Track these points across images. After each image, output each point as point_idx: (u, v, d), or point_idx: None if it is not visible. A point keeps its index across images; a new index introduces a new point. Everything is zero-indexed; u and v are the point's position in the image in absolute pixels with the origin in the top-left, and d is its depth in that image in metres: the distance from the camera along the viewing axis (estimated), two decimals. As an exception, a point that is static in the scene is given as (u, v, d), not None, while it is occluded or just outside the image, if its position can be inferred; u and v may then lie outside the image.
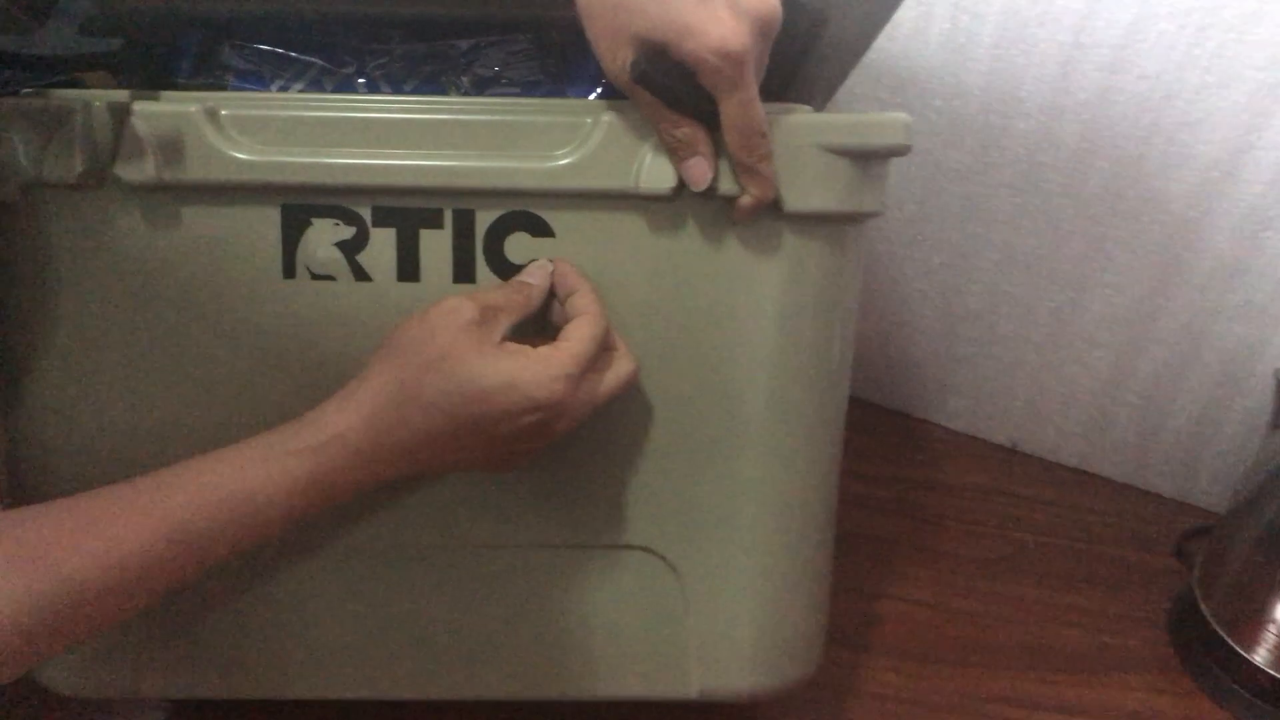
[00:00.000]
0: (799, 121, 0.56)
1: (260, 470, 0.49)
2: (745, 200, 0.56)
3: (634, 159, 0.56)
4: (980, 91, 0.87)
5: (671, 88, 0.52)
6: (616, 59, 0.53)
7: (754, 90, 0.52)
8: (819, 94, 0.72)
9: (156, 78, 0.60)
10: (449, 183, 0.56)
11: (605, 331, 0.55)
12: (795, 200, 0.57)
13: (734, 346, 0.60)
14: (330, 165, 0.56)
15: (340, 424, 0.51)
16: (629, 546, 0.63)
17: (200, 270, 0.58)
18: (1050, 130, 0.86)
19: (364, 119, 0.57)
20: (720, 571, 0.63)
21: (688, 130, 0.54)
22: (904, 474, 1.05)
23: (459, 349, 0.51)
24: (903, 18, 0.84)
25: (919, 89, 0.90)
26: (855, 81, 0.76)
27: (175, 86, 0.60)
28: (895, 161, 0.60)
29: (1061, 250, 0.93)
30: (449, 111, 0.57)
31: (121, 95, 0.56)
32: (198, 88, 0.60)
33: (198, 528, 0.47)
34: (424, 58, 0.61)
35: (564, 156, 0.56)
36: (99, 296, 0.58)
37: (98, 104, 0.55)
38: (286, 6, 0.60)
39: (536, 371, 0.52)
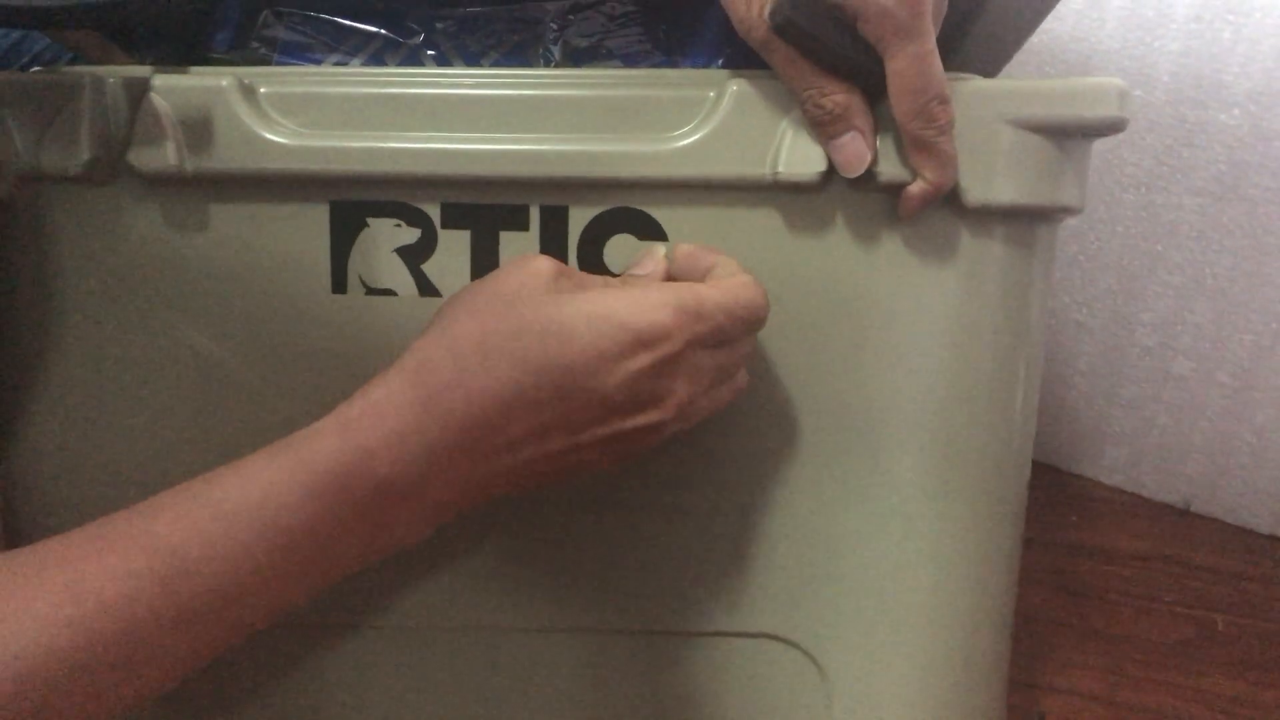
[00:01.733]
0: (983, 89, 0.44)
1: (268, 471, 0.36)
2: (916, 188, 0.43)
3: (770, 139, 0.44)
4: (1170, 77, 0.73)
5: (823, 40, 0.40)
6: (752, 6, 0.41)
7: (932, 40, 0.40)
8: (981, 71, 0.59)
9: (188, 52, 0.50)
10: (536, 172, 0.45)
11: (761, 309, 0.42)
12: (978, 189, 0.44)
13: (892, 378, 0.47)
14: (390, 151, 0.45)
15: (376, 390, 0.38)
16: (757, 635, 0.50)
17: (230, 280, 0.47)
18: (1260, 124, 0.72)
19: (431, 96, 0.46)
20: (870, 665, 0.50)
21: (841, 98, 0.42)
22: (1057, 537, 0.90)
23: (535, 292, 0.40)
24: (1077, -11, 0.72)
25: (1092, 73, 0.76)
26: (1014, 67, 0.63)
27: (209, 62, 0.50)
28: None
29: (1265, 271, 0.78)
30: (535, 87, 0.46)
31: (142, 71, 0.46)
32: (236, 63, 0.50)
33: (191, 555, 0.34)
34: (506, 25, 0.50)
35: (679, 138, 0.45)
36: (109, 308, 0.47)
37: (112, 80, 0.45)
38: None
39: (635, 298, 0.39)
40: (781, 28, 0.40)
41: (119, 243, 0.47)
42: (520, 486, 0.41)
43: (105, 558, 0.33)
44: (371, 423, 0.37)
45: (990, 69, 0.60)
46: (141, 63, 0.52)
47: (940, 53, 0.42)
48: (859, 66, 0.41)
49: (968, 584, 0.50)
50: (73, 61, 0.62)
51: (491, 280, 0.40)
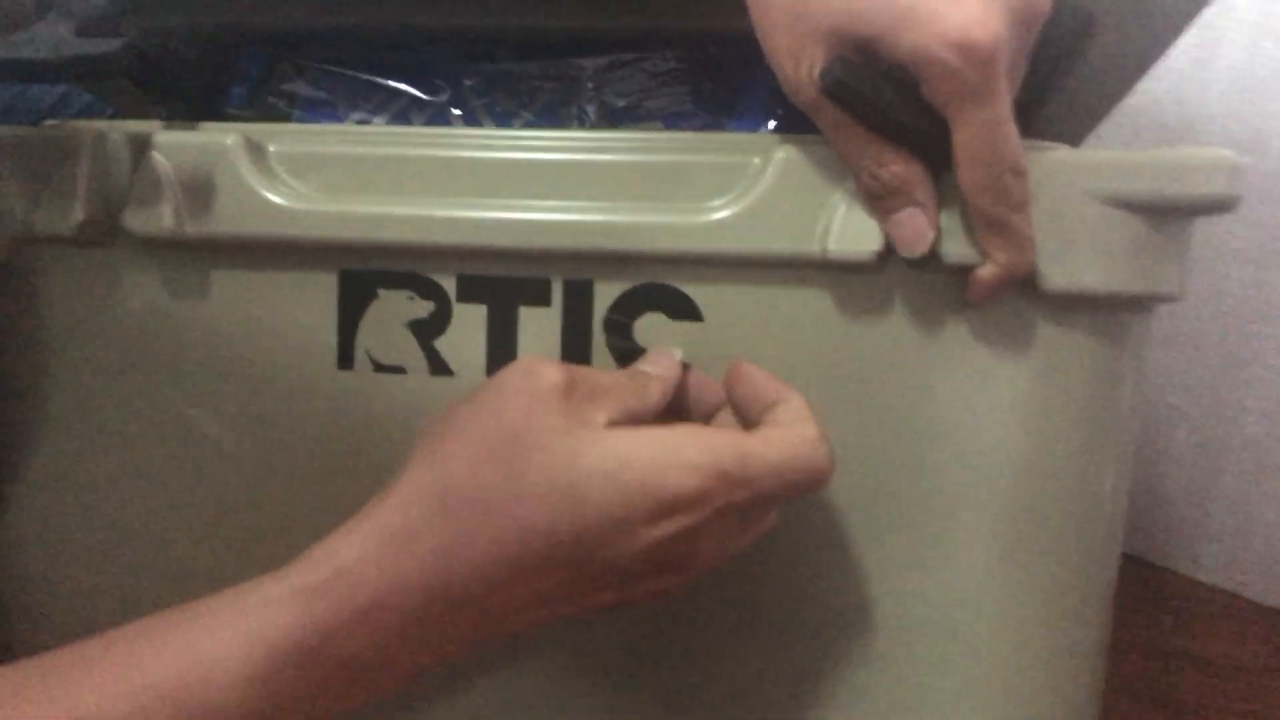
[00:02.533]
0: (1067, 160, 0.39)
1: (212, 642, 0.30)
2: (987, 272, 0.38)
3: (820, 212, 0.39)
4: (1283, 145, 0.66)
5: (879, 104, 0.35)
6: (800, 64, 0.36)
7: (1006, 105, 0.35)
8: (1065, 138, 0.54)
9: (203, 107, 0.47)
10: (559, 244, 0.41)
11: (821, 473, 0.35)
12: (1058, 274, 0.38)
13: (956, 473, 0.41)
14: (404, 218, 0.41)
15: (347, 552, 0.32)
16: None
17: (230, 352, 0.43)
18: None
19: (450, 159, 0.42)
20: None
21: (899, 169, 0.37)
22: (1148, 641, 0.82)
23: (539, 424, 0.33)
24: (1177, 43, 0.65)
25: (1195, 141, 0.70)
26: (1105, 130, 0.58)
27: (225, 117, 0.47)
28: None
29: (1382, 359, 0.70)
30: (561, 151, 0.42)
31: (148, 127, 0.43)
32: (251, 118, 0.47)
33: None
34: (539, 82, 0.46)
35: (719, 209, 0.40)
36: (103, 377, 0.44)
37: (114, 136, 0.42)
38: (373, 17, 0.46)
39: (664, 452, 0.33)
40: (831, 90, 0.35)
41: (115, 309, 0.44)
42: (515, 633, 0.35)
43: None
44: (337, 597, 0.31)
45: (1076, 136, 0.55)
46: (167, 117, 0.50)
47: (1017, 118, 0.37)
48: (921, 134, 0.36)
49: (1046, 690, 0.44)
50: (113, 116, 0.60)
51: (490, 403, 0.34)
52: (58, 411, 0.45)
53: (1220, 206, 0.38)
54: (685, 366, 0.40)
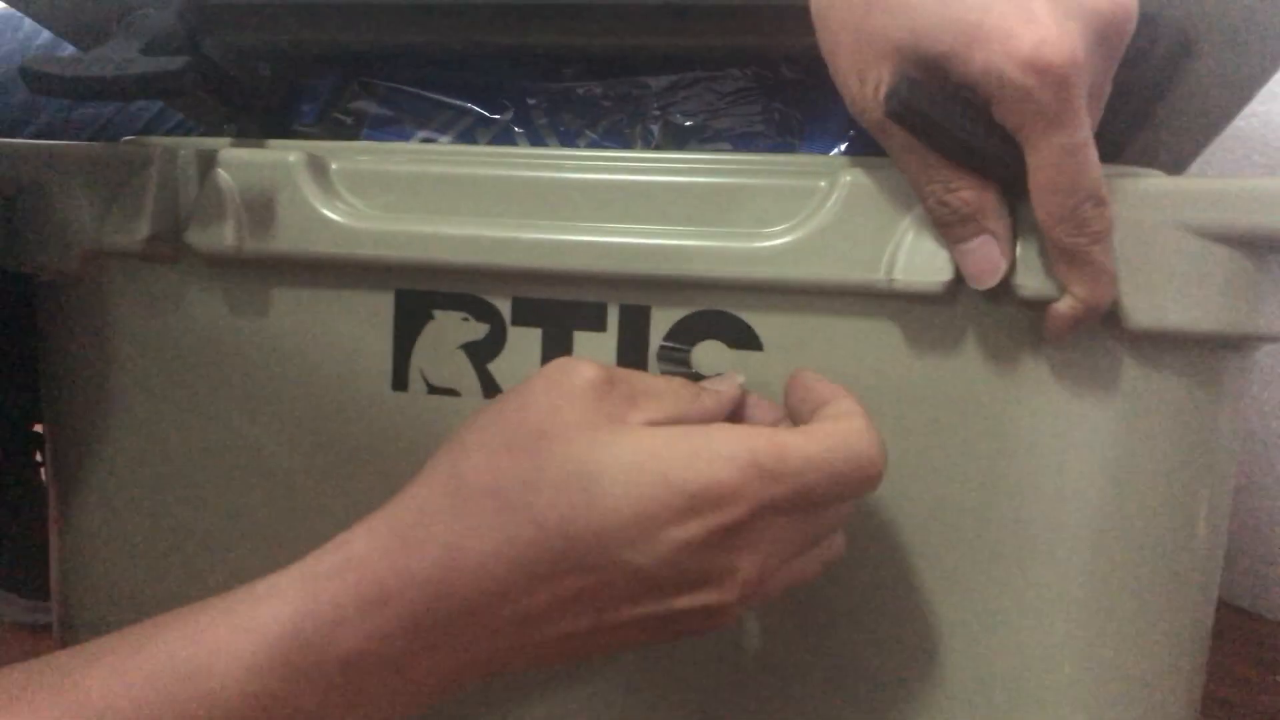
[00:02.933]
0: (1156, 189, 0.36)
1: (215, 631, 0.29)
2: (1064, 306, 0.35)
3: (887, 239, 0.37)
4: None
5: (947, 127, 0.33)
6: (866, 83, 0.34)
7: (1085, 130, 0.32)
8: (1165, 164, 0.51)
9: (275, 125, 0.48)
10: (617, 268, 0.40)
11: (872, 465, 0.32)
12: (1145, 311, 0.36)
13: (1034, 535, 0.39)
14: (458, 239, 0.41)
15: (357, 542, 0.31)
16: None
17: (288, 370, 0.43)
18: None
19: (507, 179, 0.41)
20: None
21: (970, 195, 0.34)
22: (1260, 702, 0.76)
23: (565, 419, 0.31)
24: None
25: (1310, 169, 0.66)
26: (1209, 155, 0.54)
27: (294, 135, 0.47)
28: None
29: None
30: (622, 171, 0.40)
31: (217, 143, 0.43)
32: (319, 136, 0.47)
33: None
34: (604, 101, 0.45)
35: (782, 234, 0.38)
36: (164, 392, 0.45)
37: (183, 153, 0.42)
38: (440, 36, 0.46)
39: (694, 446, 0.31)
40: (897, 112, 0.33)
41: (178, 323, 0.44)
42: (543, 662, 0.33)
43: (22, 714, 0.28)
44: (341, 585, 0.30)
45: (1178, 163, 0.52)
46: (239, 134, 0.50)
47: (1109, 143, 0.34)
48: (993, 158, 0.34)
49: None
50: (189, 131, 0.61)
51: (517, 398, 0.33)
52: (119, 423, 0.45)
53: (1330, 241, 0.35)
54: (744, 390, 0.38)
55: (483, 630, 0.31)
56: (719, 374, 0.39)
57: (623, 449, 0.31)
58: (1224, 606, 0.87)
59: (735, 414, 0.37)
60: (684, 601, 0.31)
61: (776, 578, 0.33)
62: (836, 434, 0.32)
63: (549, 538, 0.30)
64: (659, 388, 0.34)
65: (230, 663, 0.29)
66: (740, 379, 0.37)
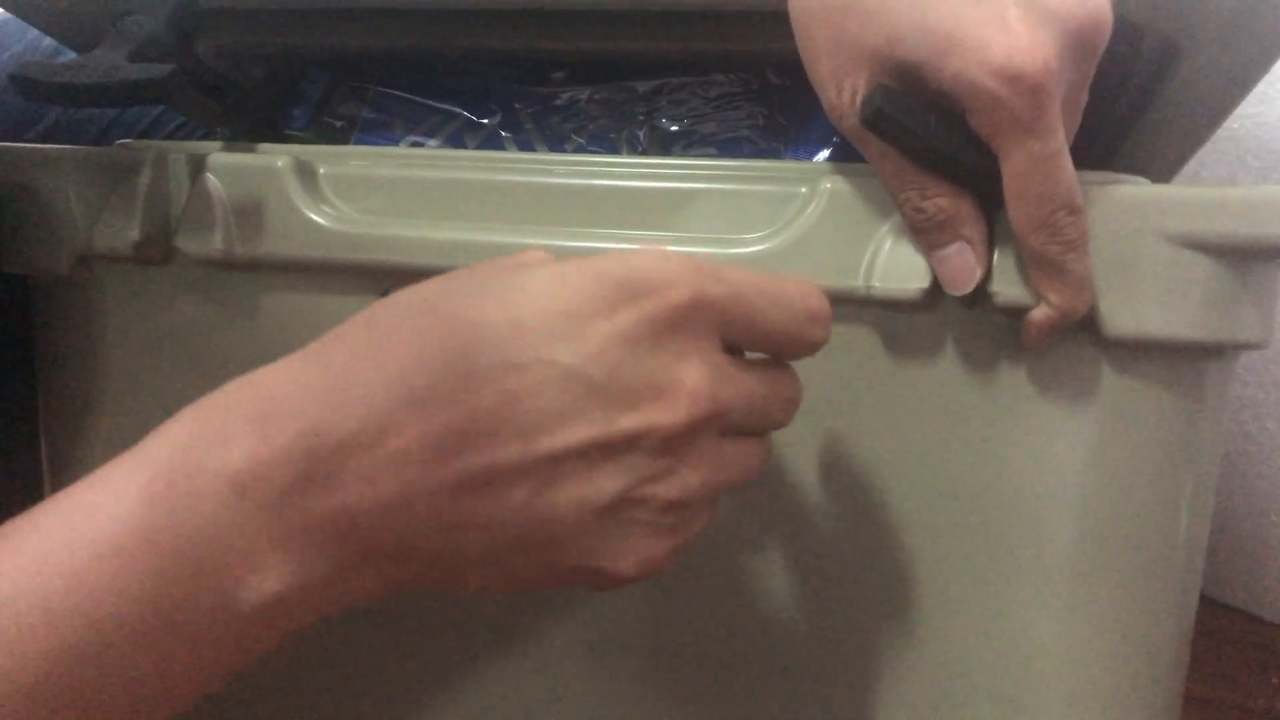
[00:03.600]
0: (1132, 196, 0.36)
1: (113, 471, 0.26)
2: (1040, 314, 0.35)
3: (865, 246, 0.38)
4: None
5: (922, 135, 0.34)
6: (843, 91, 0.35)
7: (1059, 138, 0.33)
8: (1155, 169, 0.51)
9: (267, 128, 0.48)
10: (599, 271, 0.40)
11: (819, 308, 0.30)
12: (1122, 319, 0.36)
13: (1016, 536, 0.39)
14: (446, 243, 0.41)
15: (264, 370, 0.27)
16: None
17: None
18: None
19: (491, 183, 0.41)
20: None
21: (945, 201, 0.35)
22: (1256, 704, 0.76)
23: (492, 268, 0.29)
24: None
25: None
26: (1200, 158, 0.54)
27: (285, 139, 0.48)
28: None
29: None
30: (607, 176, 0.41)
31: (208, 147, 0.44)
32: (311, 140, 0.47)
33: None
34: (590, 106, 0.45)
35: (762, 240, 0.39)
36: (155, 392, 0.45)
37: (174, 156, 0.43)
38: (429, 41, 0.46)
39: (630, 251, 0.28)
40: (872, 120, 0.34)
41: (169, 326, 0.44)
42: (473, 557, 0.27)
43: None
44: (234, 401, 0.27)
45: (1168, 168, 0.52)
46: (232, 137, 0.51)
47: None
48: (968, 167, 0.34)
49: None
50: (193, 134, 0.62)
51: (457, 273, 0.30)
52: (110, 422, 0.46)
53: (1309, 249, 0.35)
54: None
55: (388, 461, 0.26)
56: None
57: (553, 264, 0.29)
58: (1221, 608, 0.87)
59: None
60: (626, 421, 0.26)
61: (727, 443, 0.29)
62: (779, 277, 0.30)
63: (460, 337, 0.26)
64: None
65: (121, 497, 0.25)
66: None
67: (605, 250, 0.37)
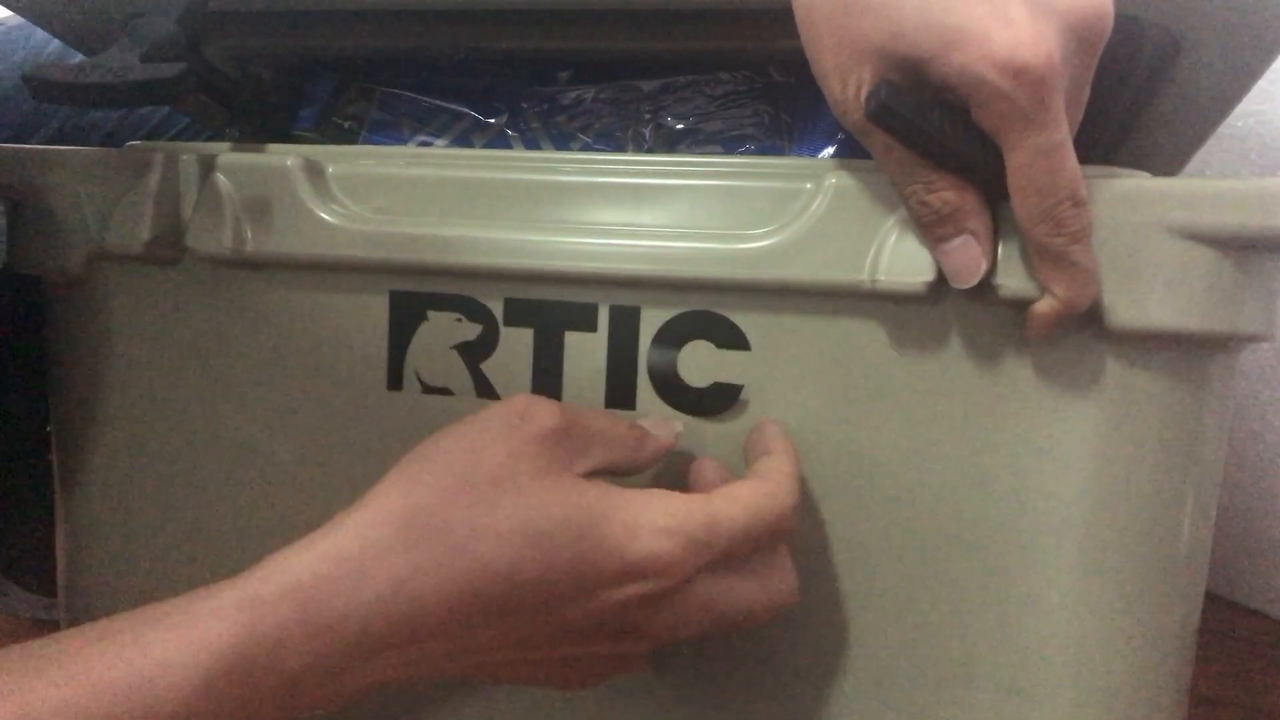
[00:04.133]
0: (1135, 189, 0.36)
1: (166, 643, 0.29)
2: (1045, 306, 0.36)
3: (871, 240, 0.38)
4: None
5: (927, 129, 0.34)
6: (847, 85, 0.35)
7: (1062, 131, 0.33)
8: (1159, 164, 0.51)
9: (276, 129, 0.48)
10: (606, 269, 0.40)
11: (783, 519, 0.35)
12: (1126, 310, 0.36)
13: (1021, 527, 0.39)
14: (450, 240, 0.41)
15: (301, 569, 0.31)
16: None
17: (285, 370, 0.44)
18: None
19: (498, 181, 0.42)
20: None
21: (950, 195, 0.35)
22: (1262, 702, 0.76)
23: (520, 467, 0.33)
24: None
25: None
26: (1204, 156, 0.54)
27: (293, 139, 0.48)
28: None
29: None
30: (614, 174, 0.41)
31: (217, 148, 0.44)
32: (320, 140, 0.48)
33: None
34: (596, 105, 0.46)
35: (768, 236, 0.39)
36: (165, 391, 0.46)
37: (185, 157, 0.43)
38: (436, 41, 0.46)
39: (638, 514, 0.33)
40: (877, 115, 0.34)
41: (179, 324, 0.45)
42: (460, 675, 0.35)
43: None
44: (287, 611, 0.30)
45: (1173, 162, 0.52)
46: (241, 137, 0.51)
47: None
48: (972, 160, 0.34)
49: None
50: (197, 136, 0.62)
51: (474, 435, 0.34)
52: (121, 420, 0.46)
53: (1308, 240, 0.36)
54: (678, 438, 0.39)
55: (418, 655, 0.32)
56: (660, 418, 0.40)
57: (572, 508, 0.33)
58: (1231, 606, 0.87)
59: (687, 472, 0.39)
60: (601, 648, 0.34)
61: (691, 624, 0.35)
62: (757, 499, 0.35)
63: (493, 585, 0.32)
64: (609, 434, 0.36)
65: (178, 678, 0.29)
66: (678, 426, 0.39)
67: (612, 249, 0.37)
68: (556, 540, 0.32)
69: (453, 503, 0.32)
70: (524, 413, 0.34)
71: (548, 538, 0.32)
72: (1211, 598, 0.86)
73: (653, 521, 0.33)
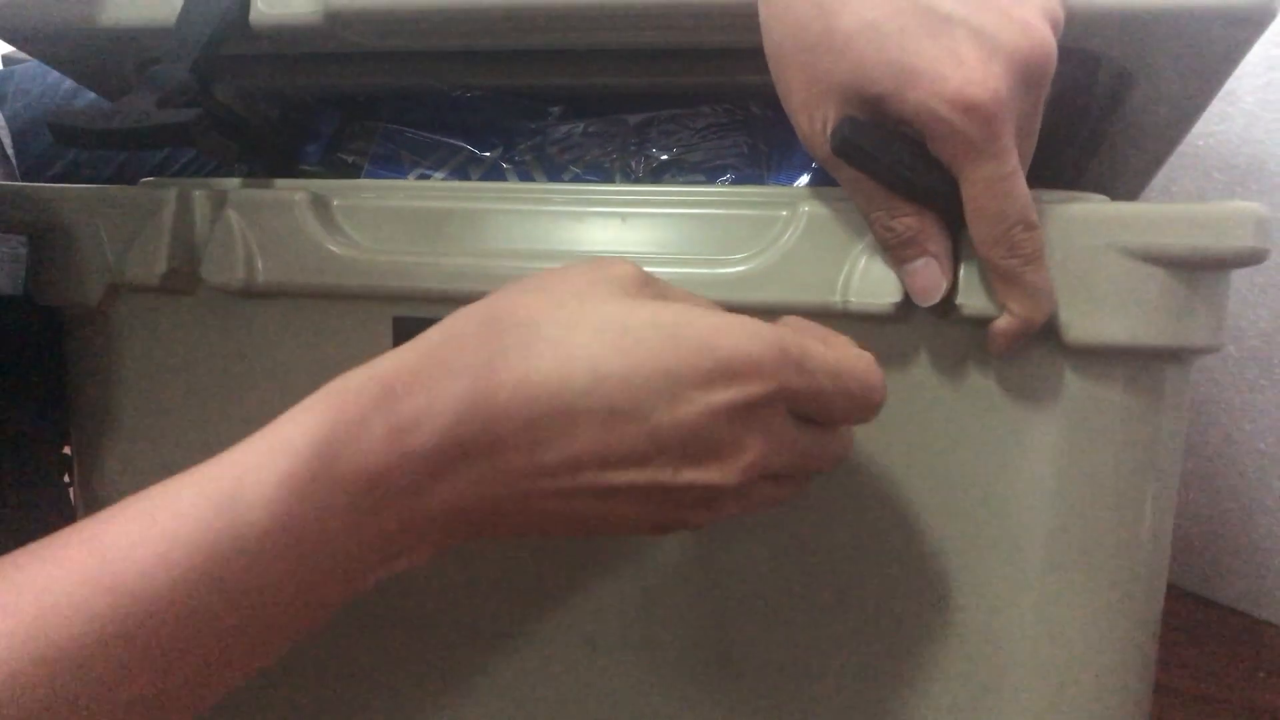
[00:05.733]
0: (1088, 213, 0.39)
1: (238, 457, 0.28)
2: (1003, 323, 0.38)
3: (841, 264, 0.40)
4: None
5: (887, 161, 0.37)
6: (814, 121, 0.38)
7: (1011, 161, 0.35)
8: (1122, 186, 0.54)
9: (282, 165, 0.51)
10: (596, 292, 0.43)
11: (871, 391, 0.34)
12: (1082, 326, 0.39)
13: (990, 533, 0.42)
14: (451, 268, 0.44)
15: (386, 361, 0.30)
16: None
17: (296, 394, 0.46)
18: None
19: (495, 212, 0.44)
20: None
21: (911, 220, 0.38)
22: (1248, 698, 0.78)
23: (603, 289, 0.32)
24: (1245, 84, 0.63)
25: (1268, 182, 0.68)
26: (1169, 174, 0.57)
27: (299, 174, 0.51)
28: (1235, 280, 0.41)
29: None
30: (602, 204, 0.44)
31: (228, 184, 0.47)
32: (324, 175, 0.50)
33: (137, 567, 0.27)
34: (588, 139, 0.48)
35: (746, 261, 0.41)
36: (182, 413, 0.48)
37: (197, 193, 0.46)
38: (435, 79, 0.49)
39: (728, 320, 0.32)
40: (841, 149, 0.37)
41: (193, 352, 0.47)
42: (539, 527, 0.33)
43: (48, 563, 0.27)
44: (370, 400, 0.29)
45: (1135, 185, 0.55)
46: (249, 173, 0.54)
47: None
48: (931, 188, 0.37)
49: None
50: (204, 170, 0.65)
51: (559, 272, 0.33)
52: (138, 444, 0.49)
53: (1249, 260, 0.38)
54: None
55: (496, 471, 0.30)
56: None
57: (658, 311, 0.31)
58: (1210, 605, 0.89)
59: None
60: (688, 475, 0.31)
61: (764, 490, 0.34)
62: (852, 357, 0.34)
63: (578, 376, 0.30)
64: (690, 294, 0.35)
65: (260, 484, 0.28)
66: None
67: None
68: (643, 336, 0.30)
69: (538, 302, 0.32)
70: (604, 261, 0.34)
71: (633, 334, 0.30)
72: (1192, 598, 0.88)
73: (745, 325, 0.31)
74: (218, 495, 0.28)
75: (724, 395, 0.30)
